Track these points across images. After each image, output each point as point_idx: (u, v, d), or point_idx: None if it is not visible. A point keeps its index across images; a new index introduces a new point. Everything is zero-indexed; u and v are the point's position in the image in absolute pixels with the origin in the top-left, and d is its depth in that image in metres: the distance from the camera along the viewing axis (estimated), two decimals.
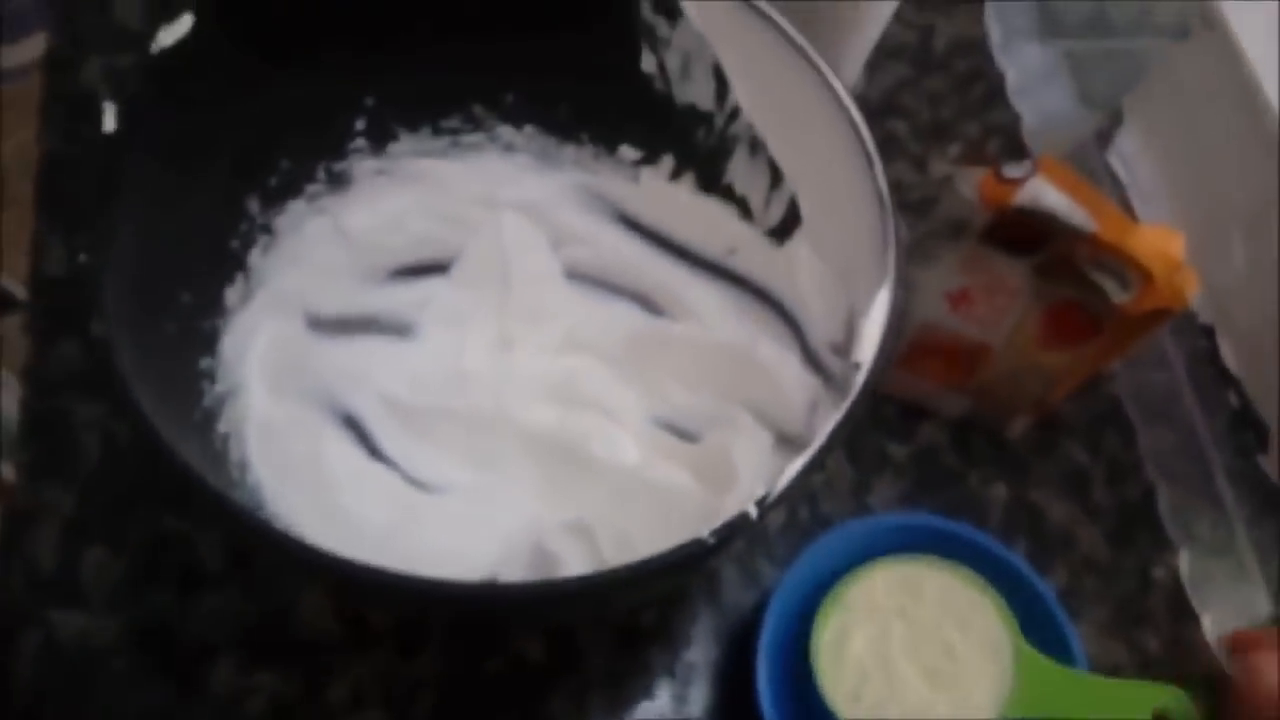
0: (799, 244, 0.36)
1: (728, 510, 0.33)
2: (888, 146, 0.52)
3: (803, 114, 0.33)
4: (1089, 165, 0.54)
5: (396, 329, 0.42)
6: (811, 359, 0.36)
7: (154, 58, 0.30)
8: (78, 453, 0.41)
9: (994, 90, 0.55)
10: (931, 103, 0.55)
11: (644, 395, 0.41)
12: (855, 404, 0.27)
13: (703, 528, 0.26)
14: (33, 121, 0.48)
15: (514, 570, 0.36)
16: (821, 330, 0.35)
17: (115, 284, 0.28)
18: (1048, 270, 0.39)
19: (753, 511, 0.26)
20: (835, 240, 0.34)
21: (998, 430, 0.46)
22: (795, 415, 0.35)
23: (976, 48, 0.56)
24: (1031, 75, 0.55)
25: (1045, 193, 0.36)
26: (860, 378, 0.28)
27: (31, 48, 0.55)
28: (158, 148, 0.31)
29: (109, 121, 0.28)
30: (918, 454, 0.45)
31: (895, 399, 0.46)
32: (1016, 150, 0.53)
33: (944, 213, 0.39)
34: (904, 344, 0.43)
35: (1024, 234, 0.38)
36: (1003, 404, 0.44)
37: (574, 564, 0.34)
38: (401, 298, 0.42)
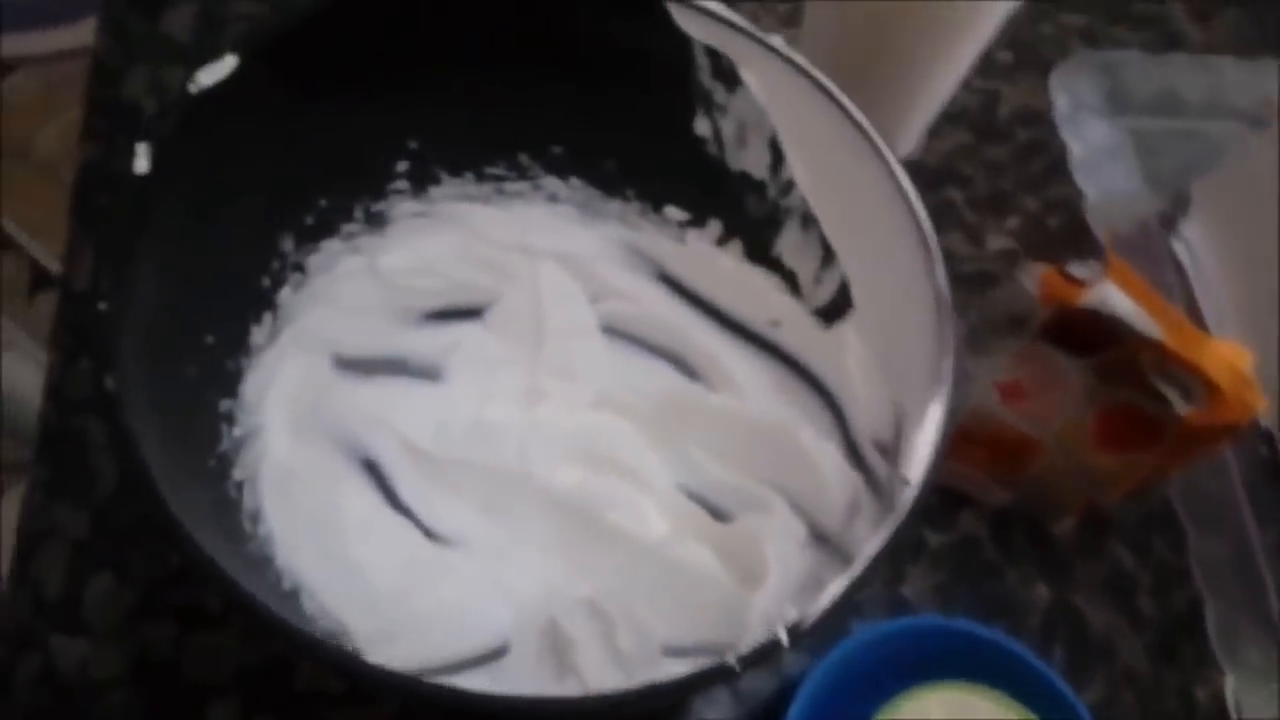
0: (848, 330, 0.35)
1: (755, 608, 0.32)
2: (943, 215, 0.51)
3: (861, 199, 0.32)
4: (1151, 248, 0.51)
5: (425, 372, 0.41)
6: (854, 453, 0.34)
7: (192, 98, 0.29)
8: (93, 475, 0.40)
9: (1056, 164, 0.53)
10: (991, 172, 0.53)
11: (674, 462, 0.39)
12: (903, 526, 0.26)
13: (741, 632, 0.24)
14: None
15: (527, 641, 0.35)
16: (866, 423, 0.34)
17: (133, 334, 0.27)
18: (1108, 373, 0.37)
19: (784, 639, 0.24)
20: (887, 333, 0.32)
21: (1041, 525, 0.44)
22: (833, 512, 0.33)
23: (1040, 118, 0.54)
24: (1096, 151, 0.53)
25: (1113, 297, 0.34)
26: (909, 495, 0.26)
27: (85, 31, 0.54)
28: (189, 188, 0.30)
29: (141, 163, 0.27)
30: (956, 544, 0.43)
31: (939, 485, 0.44)
32: (1076, 228, 0.51)
33: (1003, 303, 0.37)
34: (952, 431, 0.41)
35: (1086, 334, 0.36)
36: (1049, 501, 0.43)
37: (588, 651, 0.32)
38: (432, 341, 0.41)
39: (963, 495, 0.44)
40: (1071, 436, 0.39)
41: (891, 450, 0.31)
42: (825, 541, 0.33)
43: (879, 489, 0.31)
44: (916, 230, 0.30)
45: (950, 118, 0.52)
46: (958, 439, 0.42)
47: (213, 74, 0.29)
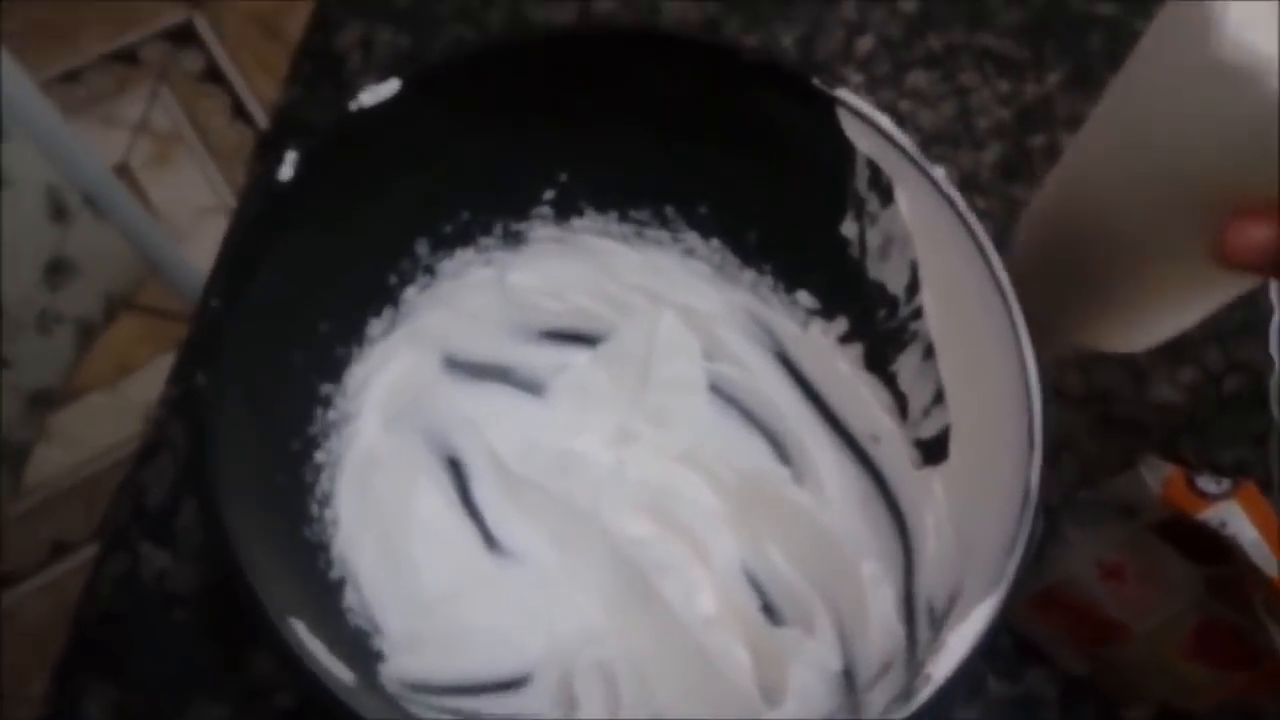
0: (938, 478, 0.33)
1: None
2: None
3: (984, 358, 0.30)
4: None
5: (528, 386, 0.41)
6: (908, 604, 0.33)
7: (349, 115, 0.30)
8: None
9: (1257, 323, 0.48)
10: None
11: (742, 541, 0.39)
12: None
13: None
14: None
15: (547, 682, 0.36)
16: (930, 580, 0.32)
17: (243, 326, 0.29)
18: (1218, 587, 0.34)
19: None
20: (971, 500, 0.31)
21: (1113, 704, 0.41)
22: (869, 658, 0.32)
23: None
24: None
25: (1236, 520, 0.31)
26: (924, 693, 0.25)
27: None
28: (333, 195, 0.31)
29: (286, 170, 0.29)
30: (1019, 699, 0.41)
31: (1014, 631, 0.42)
32: (1251, 401, 0.46)
33: (1120, 487, 0.34)
34: (1040, 588, 0.39)
35: (1202, 543, 0.33)
36: (1125, 686, 0.40)
37: (589, 711, 0.33)
38: (542, 359, 0.41)
39: (1040, 652, 0.42)
40: (1165, 635, 0.36)
41: (939, 622, 0.30)
42: (850, 689, 0.32)
43: (914, 658, 0.30)
44: (1027, 419, 0.28)
45: None
46: (1047, 601, 0.40)
47: (375, 95, 0.30)
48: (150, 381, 1.07)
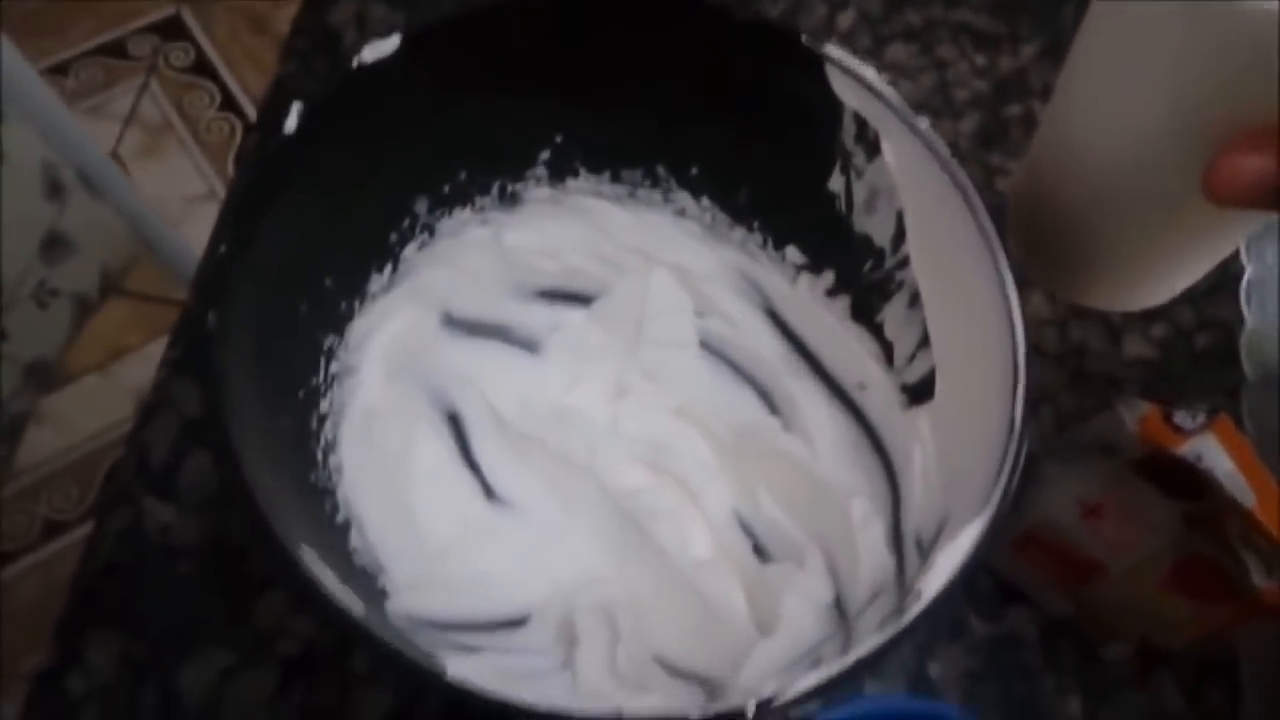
0: (923, 417, 0.35)
1: (756, 655, 0.33)
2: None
3: (969, 299, 0.31)
4: None
5: (524, 344, 0.43)
6: (897, 538, 0.34)
7: (351, 71, 0.31)
8: None
9: (1227, 281, 0.50)
10: None
11: (734, 489, 0.40)
12: (892, 640, 0.26)
13: (738, 670, 0.25)
14: None
15: (546, 622, 0.37)
16: (916, 515, 0.33)
17: (252, 275, 0.30)
18: (1195, 522, 0.35)
19: (750, 710, 0.25)
20: (956, 435, 0.32)
21: (1093, 643, 0.42)
22: (860, 588, 0.34)
23: None
24: (1273, 278, 0.49)
25: (1212, 453, 0.33)
26: (916, 609, 0.26)
27: None
28: (335, 150, 0.32)
29: (291, 122, 0.30)
30: (999, 638, 0.43)
31: (996, 573, 0.43)
32: (1222, 356, 0.48)
33: (1098, 427, 0.36)
34: (1021, 529, 0.40)
35: (1179, 478, 0.35)
36: (1105, 624, 0.41)
37: (589, 654, 0.34)
38: (537, 317, 0.42)
39: (1020, 593, 0.43)
40: (1143, 572, 0.38)
41: (927, 551, 0.31)
42: (842, 616, 0.34)
43: (904, 585, 0.31)
44: (1011, 351, 0.29)
45: None
46: (1027, 542, 0.41)
47: (375, 51, 0.31)
48: (141, 366, 1.08)
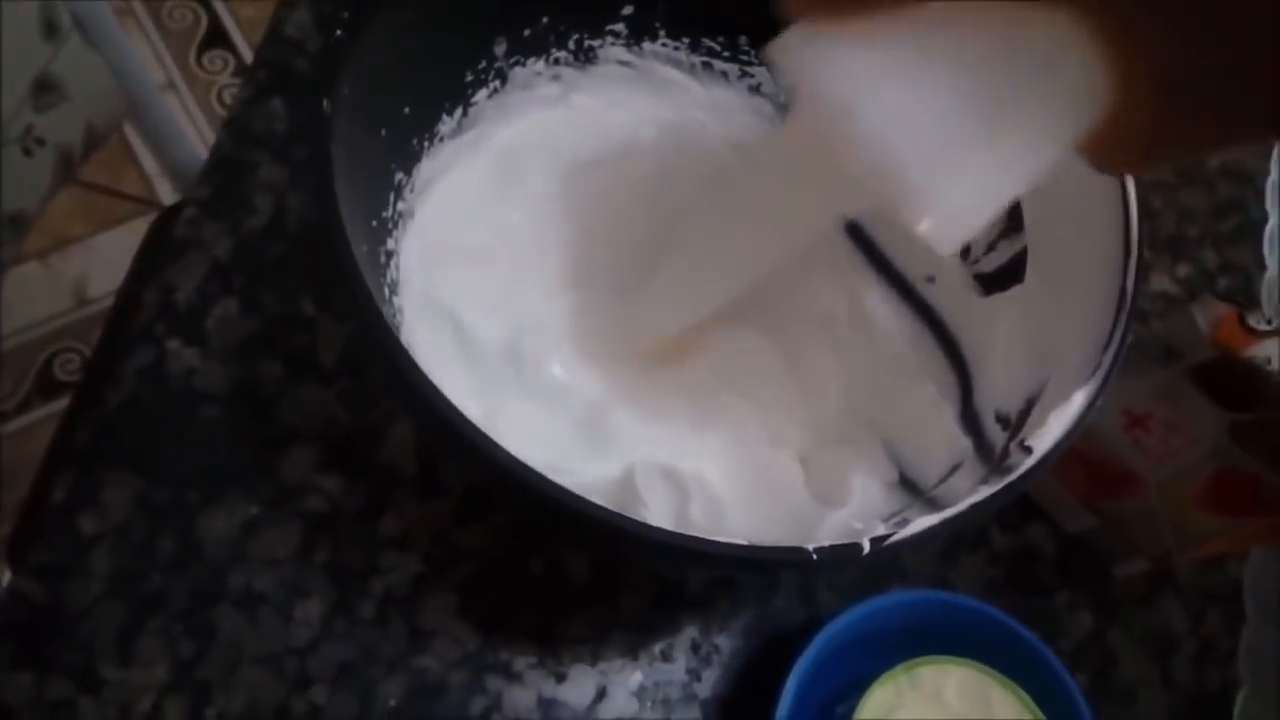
0: (1007, 301, 0.34)
1: (828, 524, 0.33)
2: None
3: (1074, 176, 0.31)
4: None
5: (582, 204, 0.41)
6: (970, 419, 0.34)
7: None
8: (250, 209, 0.42)
9: (1249, 228, 0.51)
10: (1180, 215, 0.51)
11: (797, 373, 0.39)
12: (1012, 487, 0.26)
13: (808, 541, 0.25)
14: None
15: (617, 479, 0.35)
16: (993, 396, 0.33)
17: (353, 71, 0.28)
18: (1243, 434, 0.36)
19: (866, 547, 0.25)
20: (1053, 315, 0.32)
21: (1106, 562, 0.43)
22: (929, 466, 0.33)
23: (1250, 180, 0.52)
24: None
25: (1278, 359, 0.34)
26: (1028, 464, 0.26)
27: None
28: None
29: None
30: (1018, 551, 0.43)
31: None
32: (1243, 299, 0.49)
33: (1164, 331, 0.36)
34: None
35: (1236, 387, 0.35)
36: (1127, 539, 0.42)
37: (658, 511, 0.33)
38: (600, 179, 0.41)
39: (1042, 509, 0.44)
40: (1180, 485, 0.39)
41: (1014, 424, 0.31)
42: (912, 489, 0.34)
43: (988, 455, 0.31)
44: (1123, 225, 0.29)
45: None
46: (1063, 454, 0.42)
47: None
48: (83, 258, 1.03)
